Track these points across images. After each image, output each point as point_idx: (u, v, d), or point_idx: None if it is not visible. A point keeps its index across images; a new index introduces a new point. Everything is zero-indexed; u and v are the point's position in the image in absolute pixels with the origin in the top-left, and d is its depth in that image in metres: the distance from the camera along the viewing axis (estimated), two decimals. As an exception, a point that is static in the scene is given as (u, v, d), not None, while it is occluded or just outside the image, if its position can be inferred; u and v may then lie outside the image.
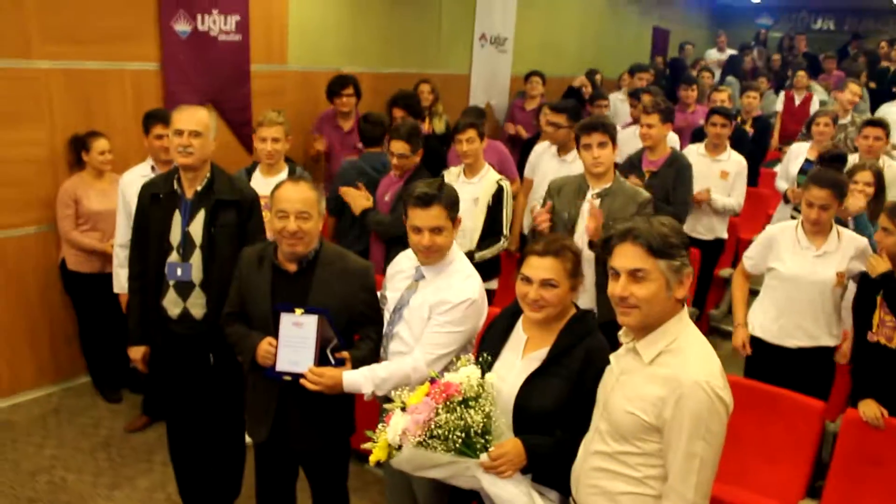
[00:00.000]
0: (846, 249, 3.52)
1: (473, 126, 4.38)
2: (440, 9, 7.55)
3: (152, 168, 4.25)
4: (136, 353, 3.38)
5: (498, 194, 4.34)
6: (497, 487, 2.29)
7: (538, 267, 2.40)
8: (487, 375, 2.37)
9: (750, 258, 3.79)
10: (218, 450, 3.49)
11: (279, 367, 2.75)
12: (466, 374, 2.34)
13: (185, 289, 3.23)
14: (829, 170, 3.74)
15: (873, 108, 8.46)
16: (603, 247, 2.16)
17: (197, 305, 3.25)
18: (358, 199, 4.54)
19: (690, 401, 1.96)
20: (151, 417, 4.40)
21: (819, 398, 3.44)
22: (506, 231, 4.36)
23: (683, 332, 2.09)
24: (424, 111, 6.25)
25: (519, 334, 2.54)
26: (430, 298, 2.77)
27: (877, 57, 10.21)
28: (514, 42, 8.67)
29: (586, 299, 3.53)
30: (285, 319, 2.74)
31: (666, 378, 2.01)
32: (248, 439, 3.28)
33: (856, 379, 3.48)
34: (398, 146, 4.41)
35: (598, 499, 2.15)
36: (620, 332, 2.21)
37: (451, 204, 2.78)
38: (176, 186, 3.26)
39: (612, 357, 2.24)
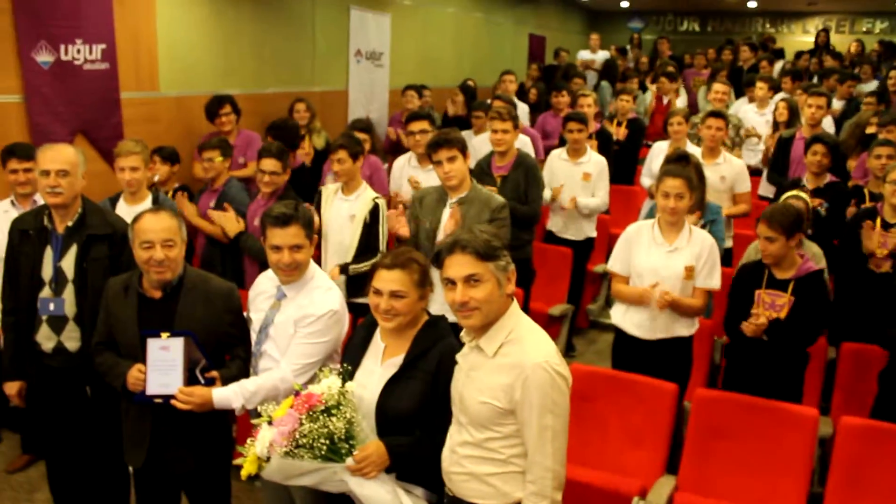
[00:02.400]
0: (695, 245, 3.78)
1: (344, 147, 4.49)
2: (314, 26, 7.66)
3: (13, 203, 4.22)
4: (12, 388, 3.37)
5: (374, 211, 4.44)
6: (364, 488, 2.45)
7: (387, 279, 2.57)
8: (348, 384, 2.51)
9: (615, 261, 3.95)
10: (100, 480, 3.50)
11: (149, 391, 2.83)
12: (327, 385, 2.49)
13: (58, 323, 3.27)
14: (680, 163, 4.07)
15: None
16: (434, 261, 2.37)
17: (71, 339, 3.28)
18: (229, 222, 4.61)
19: (535, 381, 2.22)
20: (33, 455, 4.32)
21: (679, 383, 3.71)
22: (382, 247, 4.46)
23: (518, 323, 2.34)
24: (302, 130, 6.36)
25: (377, 343, 2.70)
26: (294, 314, 2.90)
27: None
28: (390, 56, 8.86)
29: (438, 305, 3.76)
30: (152, 344, 2.83)
31: (511, 366, 2.27)
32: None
33: (730, 365, 3.80)
34: (270, 164, 4.55)
35: (471, 484, 2.38)
36: (462, 333, 2.42)
37: (308, 223, 2.93)
38: (46, 222, 3.29)
39: (458, 357, 2.44)
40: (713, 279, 3.79)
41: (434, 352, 2.58)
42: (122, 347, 2.97)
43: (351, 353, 2.73)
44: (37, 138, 5.08)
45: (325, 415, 2.41)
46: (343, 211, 4.52)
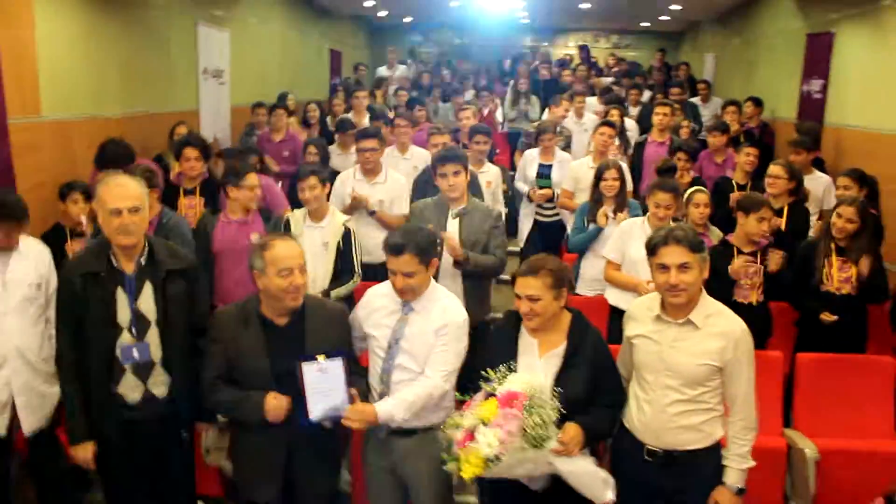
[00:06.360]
0: None
1: (315, 173, 4.53)
2: (169, 44, 7.31)
3: None
4: (86, 451, 3.07)
5: (346, 236, 4.52)
6: (570, 465, 2.77)
7: (523, 285, 2.90)
8: (535, 377, 2.77)
9: (611, 251, 4.51)
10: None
11: (315, 416, 2.85)
12: (522, 381, 2.72)
13: (144, 370, 3.06)
14: (668, 178, 4.70)
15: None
16: (649, 250, 2.83)
17: (159, 384, 3.09)
18: None
19: (744, 343, 2.83)
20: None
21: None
22: (357, 269, 4.56)
23: (711, 301, 2.89)
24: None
25: (528, 340, 2.98)
26: (432, 325, 3.04)
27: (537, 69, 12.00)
28: (230, 74, 8.65)
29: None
30: (308, 368, 2.85)
31: (721, 333, 2.81)
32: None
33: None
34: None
35: (685, 434, 2.85)
36: (654, 315, 2.89)
37: (421, 251, 3.02)
38: (114, 262, 3.04)
39: (646, 334, 2.89)
40: None
41: (588, 340, 2.93)
42: (248, 378, 2.93)
43: (503, 352, 2.95)
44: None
45: (536, 407, 2.64)
46: (316, 239, 4.53)
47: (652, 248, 2.85)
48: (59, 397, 3.39)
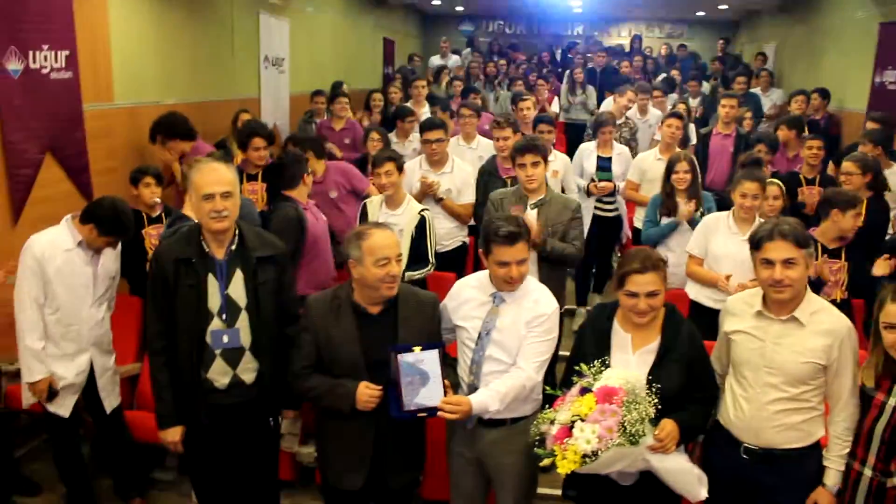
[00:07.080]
0: None
1: (392, 159, 4.51)
2: (232, 33, 7.35)
3: (80, 244, 3.66)
4: (174, 434, 3.09)
5: (421, 225, 4.48)
6: (665, 462, 2.71)
7: (642, 282, 2.78)
8: (632, 372, 2.71)
9: (694, 246, 4.43)
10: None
11: (410, 406, 2.81)
12: (619, 376, 2.66)
13: (234, 356, 3.05)
14: (754, 168, 4.60)
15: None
16: (753, 244, 2.77)
17: (248, 371, 3.09)
18: None
19: (850, 340, 2.75)
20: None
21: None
22: (431, 259, 4.52)
23: (816, 297, 2.83)
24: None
25: (621, 335, 2.91)
26: (524, 316, 2.99)
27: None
28: (289, 62, 8.68)
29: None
30: (404, 359, 2.81)
31: (827, 330, 2.74)
32: None
33: None
34: None
35: (787, 433, 2.78)
36: (755, 311, 2.82)
37: (528, 237, 3.04)
38: (205, 248, 3.04)
39: (747, 330, 2.82)
40: None
41: (683, 334, 2.86)
42: (339, 366, 2.91)
43: (596, 347, 2.89)
44: (10, 159, 4.55)
45: (634, 403, 2.59)
46: (392, 226, 4.51)
47: (756, 243, 2.78)
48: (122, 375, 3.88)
